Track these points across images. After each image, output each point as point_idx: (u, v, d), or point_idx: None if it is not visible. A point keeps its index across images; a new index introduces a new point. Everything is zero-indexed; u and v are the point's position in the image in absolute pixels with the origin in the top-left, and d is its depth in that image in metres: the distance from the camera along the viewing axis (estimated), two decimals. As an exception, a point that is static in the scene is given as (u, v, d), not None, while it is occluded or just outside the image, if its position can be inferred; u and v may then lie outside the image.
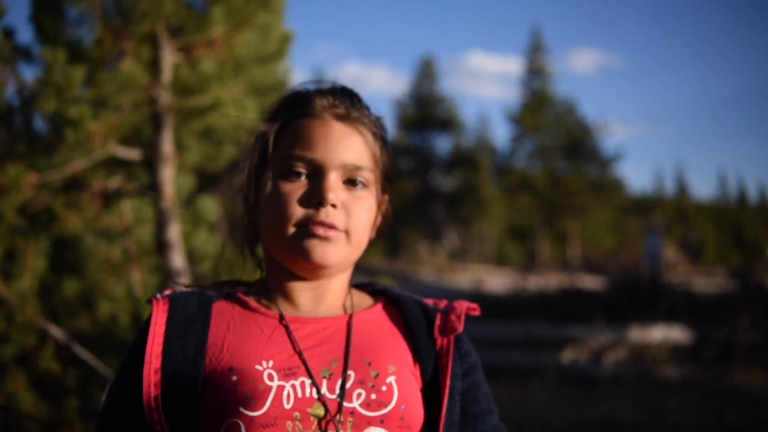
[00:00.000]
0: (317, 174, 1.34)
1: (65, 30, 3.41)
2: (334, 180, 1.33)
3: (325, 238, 1.31)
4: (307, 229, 1.31)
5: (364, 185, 1.38)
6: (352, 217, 1.34)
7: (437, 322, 1.42)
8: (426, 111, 35.72)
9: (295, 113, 1.39)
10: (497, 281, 20.17)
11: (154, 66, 3.49)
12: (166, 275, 3.43)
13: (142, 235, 3.67)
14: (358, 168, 1.36)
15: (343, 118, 1.38)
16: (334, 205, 1.32)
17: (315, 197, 1.31)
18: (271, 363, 1.27)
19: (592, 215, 34.07)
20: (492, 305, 14.01)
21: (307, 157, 1.34)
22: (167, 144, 3.47)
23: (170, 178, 3.47)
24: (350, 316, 1.39)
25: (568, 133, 33.44)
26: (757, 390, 8.18)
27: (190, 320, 1.31)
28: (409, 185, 33.09)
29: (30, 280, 3.36)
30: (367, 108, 1.44)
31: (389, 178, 1.46)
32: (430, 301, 1.50)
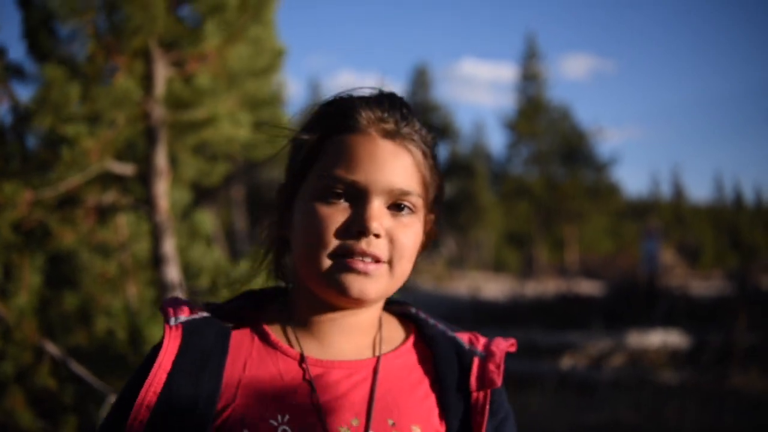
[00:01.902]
0: (359, 198, 1.19)
1: (58, 47, 3.43)
2: (378, 207, 1.19)
3: (364, 273, 1.18)
4: (344, 262, 1.17)
5: (411, 211, 1.23)
6: (397, 247, 1.20)
7: (474, 370, 1.28)
8: (421, 119, 35.74)
9: (338, 126, 1.23)
10: (495, 288, 20.16)
11: (147, 81, 3.50)
12: (161, 289, 3.43)
13: (138, 250, 3.68)
14: (406, 193, 1.21)
15: (392, 135, 1.22)
16: (377, 235, 1.18)
17: (356, 225, 1.17)
18: (286, 418, 1.15)
19: (589, 220, 34.09)
20: (490, 312, 14.01)
21: (349, 179, 1.18)
22: (161, 158, 3.48)
23: (165, 193, 3.48)
24: (377, 360, 1.25)
25: (564, 139, 33.48)
26: (755, 392, 8.18)
27: (204, 360, 1.18)
28: (406, 193, 33.08)
29: (26, 296, 3.36)
30: (418, 121, 1.27)
31: (438, 199, 1.32)
32: (465, 338, 1.34)
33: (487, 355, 1.30)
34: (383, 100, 1.25)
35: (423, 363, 1.30)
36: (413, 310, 1.38)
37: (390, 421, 1.20)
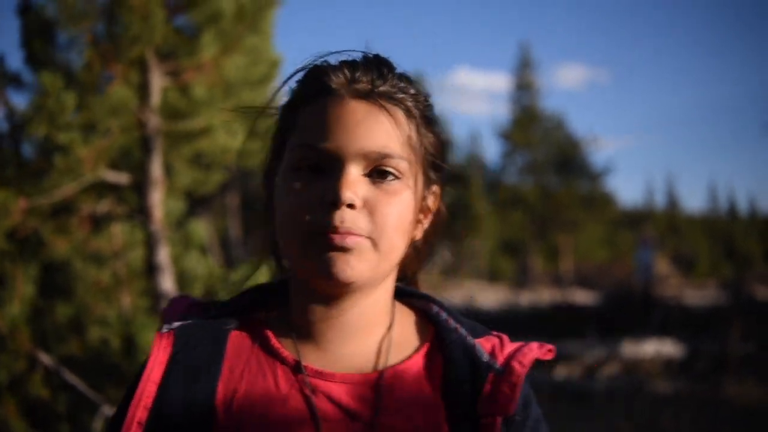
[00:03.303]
0: (333, 167, 1.06)
1: (55, 55, 3.43)
2: (352, 174, 1.05)
3: (342, 248, 1.03)
4: (319, 238, 1.04)
5: (396, 176, 1.08)
6: (378, 218, 1.05)
7: (485, 390, 1.08)
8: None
9: (310, 93, 1.11)
10: (490, 297, 20.16)
11: (143, 90, 3.51)
12: (155, 298, 3.43)
13: (132, 259, 3.67)
14: (384, 156, 1.06)
15: (365, 95, 1.08)
16: (351, 206, 1.04)
17: (327, 197, 1.04)
18: None
19: (583, 229, 34.15)
20: (485, 322, 13.99)
21: (319, 147, 1.06)
22: (156, 168, 3.48)
23: (159, 202, 3.48)
24: (380, 375, 1.10)
25: (558, 148, 33.59)
26: (750, 402, 8.19)
27: (197, 371, 1.08)
28: (401, 202, 33.15)
29: (19, 305, 3.35)
30: (403, 79, 1.13)
31: (437, 165, 1.16)
32: (488, 346, 1.14)
33: (505, 372, 1.10)
34: (358, 61, 1.13)
35: (433, 376, 1.12)
36: (435, 308, 1.20)
37: None
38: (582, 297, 18.15)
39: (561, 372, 9.75)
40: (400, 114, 1.10)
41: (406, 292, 1.22)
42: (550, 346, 1.16)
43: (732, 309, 12.53)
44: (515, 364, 1.10)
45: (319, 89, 1.10)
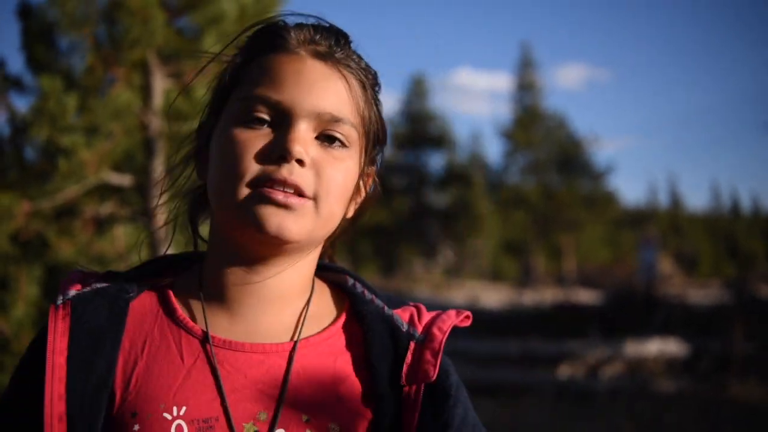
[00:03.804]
0: (283, 121, 1.03)
1: (57, 59, 3.44)
2: (303, 130, 1.03)
3: (284, 205, 1.00)
4: (262, 191, 1.00)
5: (344, 144, 1.06)
6: (324, 180, 1.03)
7: (407, 359, 1.08)
8: (418, 128, 35.84)
9: (264, 46, 1.08)
10: (493, 297, 20.17)
11: (145, 92, 3.52)
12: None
13: (136, 261, 3.68)
14: (336, 120, 1.05)
15: (324, 57, 1.07)
16: (300, 162, 1.01)
17: (278, 149, 1.01)
18: (183, 410, 0.99)
19: (586, 229, 34.15)
20: (487, 321, 14.01)
21: (272, 99, 1.03)
22: (159, 169, 3.49)
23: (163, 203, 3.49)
24: (294, 345, 1.07)
25: (560, 148, 33.61)
26: (753, 401, 8.19)
27: (96, 338, 1.01)
28: (403, 203, 33.15)
29: (23, 308, 3.36)
30: (356, 54, 1.12)
31: (378, 143, 1.15)
32: (405, 316, 1.14)
33: (426, 339, 1.10)
34: (318, 25, 1.11)
35: (352, 348, 1.10)
36: (350, 281, 1.18)
37: (304, 417, 1.03)
38: (585, 296, 18.15)
39: (564, 371, 9.75)
40: (354, 83, 1.08)
41: (320, 266, 1.17)
42: (467, 312, 1.14)
43: (735, 308, 12.53)
44: (435, 331, 1.10)
45: (276, 44, 1.07)
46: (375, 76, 1.14)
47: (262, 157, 1.01)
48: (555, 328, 12.60)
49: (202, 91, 3.57)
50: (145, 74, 3.54)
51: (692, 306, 14.88)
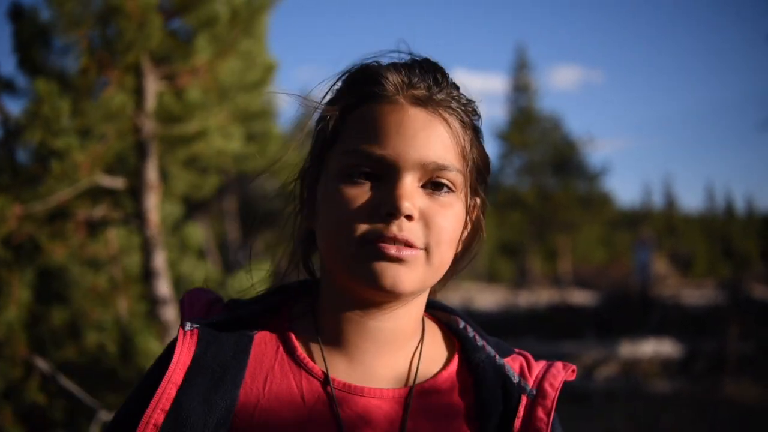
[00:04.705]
0: (389, 176, 1.03)
1: (49, 60, 3.43)
2: (410, 184, 1.03)
3: (397, 259, 1.01)
4: (374, 247, 1.01)
5: (450, 189, 1.06)
6: (434, 231, 1.04)
7: (519, 414, 1.09)
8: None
9: (362, 95, 1.07)
10: (488, 298, 20.16)
11: (138, 95, 3.51)
12: (152, 303, 3.43)
13: (129, 264, 3.67)
14: (442, 168, 1.04)
15: (424, 103, 1.06)
16: (409, 217, 1.02)
17: (385, 206, 1.01)
18: None
19: (581, 230, 34.17)
20: (483, 323, 14.00)
21: (376, 154, 1.03)
22: (152, 172, 3.48)
23: (155, 206, 3.48)
24: (410, 391, 1.08)
25: (555, 149, 33.61)
26: (748, 402, 8.20)
27: (220, 375, 1.04)
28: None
29: (15, 311, 3.34)
30: (455, 87, 1.12)
31: (482, 178, 1.15)
32: (516, 366, 1.15)
33: (538, 395, 1.10)
34: (413, 64, 1.09)
35: (464, 396, 1.11)
36: (461, 324, 1.19)
37: None
38: (580, 297, 18.15)
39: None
40: (456, 124, 1.08)
41: (429, 303, 1.19)
42: (573, 367, 1.15)
43: (730, 308, 12.53)
44: (547, 387, 1.11)
45: (373, 92, 1.07)
46: (474, 109, 1.14)
47: (371, 213, 1.02)
48: (550, 329, 12.60)
49: (194, 93, 3.55)
50: (138, 76, 3.53)
51: (687, 306, 14.89)
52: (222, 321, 1.10)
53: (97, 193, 3.57)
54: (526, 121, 33.56)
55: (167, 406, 1.01)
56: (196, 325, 1.08)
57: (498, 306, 17.35)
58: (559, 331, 12.42)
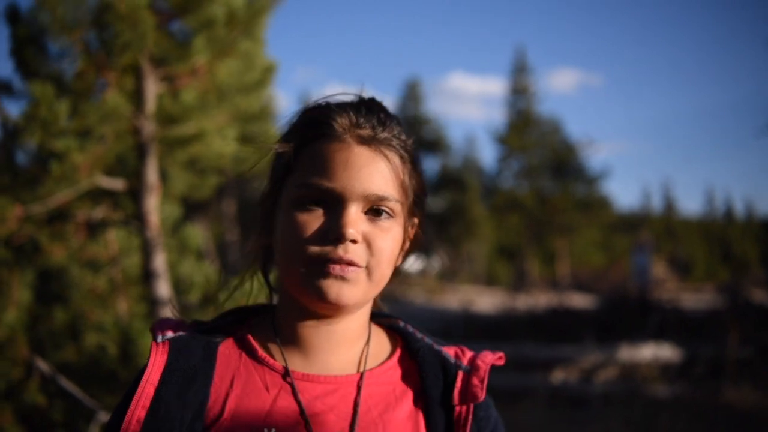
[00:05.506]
0: (336, 205, 1.20)
1: (46, 63, 3.43)
2: (354, 213, 1.20)
3: (341, 278, 1.19)
4: (322, 267, 1.18)
5: (390, 215, 1.24)
6: (375, 252, 1.21)
7: (457, 384, 1.28)
8: (412, 132, 35.81)
9: (313, 134, 1.24)
10: (487, 301, 20.16)
11: (137, 96, 3.51)
12: (152, 304, 3.42)
13: (128, 265, 3.66)
14: (382, 198, 1.21)
15: (368, 141, 1.22)
16: (354, 241, 1.19)
17: (333, 233, 1.18)
18: (273, 431, 1.18)
19: (580, 233, 34.18)
20: (481, 326, 14.00)
21: (324, 187, 1.19)
22: (152, 173, 3.48)
23: (155, 207, 3.48)
24: (361, 375, 1.26)
25: (554, 152, 33.64)
26: (747, 407, 8.20)
27: (191, 376, 1.20)
28: (398, 207, 33.17)
29: (15, 312, 3.34)
30: (396, 124, 1.28)
31: (420, 201, 1.32)
32: (451, 352, 1.35)
33: (472, 369, 1.30)
34: (360, 106, 1.26)
35: (408, 377, 1.30)
36: (402, 323, 1.39)
37: None
38: (579, 301, 18.15)
39: (558, 376, 9.75)
40: (396, 160, 1.25)
41: (374, 314, 1.38)
42: (500, 354, 1.36)
43: (729, 313, 12.54)
44: (479, 362, 1.32)
45: (323, 131, 1.23)
46: (413, 145, 1.31)
47: (321, 237, 1.19)
48: (549, 333, 12.60)
49: (193, 94, 3.54)
50: (137, 78, 3.53)
51: (686, 311, 14.89)
52: (190, 335, 1.28)
53: (96, 195, 3.57)
54: (524, 124, 33.58)
55: (147, 404, 1.17)
56: (167, 338, 1.25)
57: (496, 309, 17.34)
58: (557, 334, 12.42)
